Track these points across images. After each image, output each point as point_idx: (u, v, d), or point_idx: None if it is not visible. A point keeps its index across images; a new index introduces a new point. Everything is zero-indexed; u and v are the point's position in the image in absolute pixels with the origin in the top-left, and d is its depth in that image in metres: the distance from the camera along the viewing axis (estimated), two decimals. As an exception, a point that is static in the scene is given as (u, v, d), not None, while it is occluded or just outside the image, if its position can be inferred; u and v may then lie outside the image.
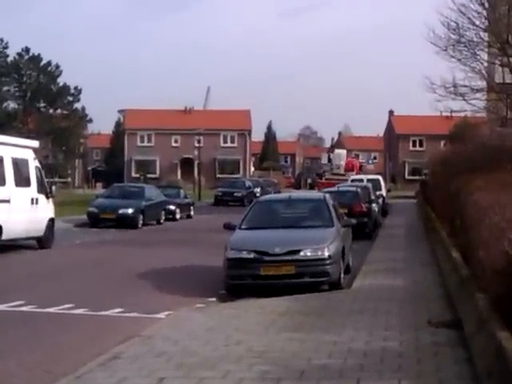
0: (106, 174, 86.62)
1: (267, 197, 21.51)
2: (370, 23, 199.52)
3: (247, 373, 8.07)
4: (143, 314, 12.26)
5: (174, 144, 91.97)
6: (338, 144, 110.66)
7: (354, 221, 17.65)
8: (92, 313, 12.33)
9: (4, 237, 20.39)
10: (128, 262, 19.90)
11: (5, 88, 60.04)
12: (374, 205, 29.86)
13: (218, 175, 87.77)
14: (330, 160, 59.02)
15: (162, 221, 35.09)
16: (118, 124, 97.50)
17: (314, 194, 25.86)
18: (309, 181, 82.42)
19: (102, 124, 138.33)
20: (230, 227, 15.93)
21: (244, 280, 14.14)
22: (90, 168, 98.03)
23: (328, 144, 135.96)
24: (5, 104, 57.53)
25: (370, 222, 27.42)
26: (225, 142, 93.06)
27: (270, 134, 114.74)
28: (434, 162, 28.20)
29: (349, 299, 13.01)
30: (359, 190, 29.33)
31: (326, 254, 14.16)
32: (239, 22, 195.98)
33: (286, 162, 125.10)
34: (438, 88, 29.96)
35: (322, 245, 14.29)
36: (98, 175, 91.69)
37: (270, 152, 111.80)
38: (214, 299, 13.93)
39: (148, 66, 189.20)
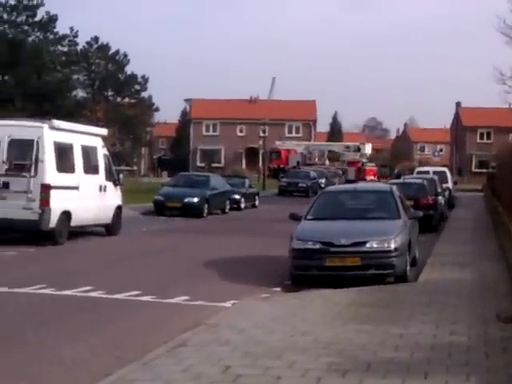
0: (172, 163, 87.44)
1: (333, 187, 21.42)
2: (436, 14, 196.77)
3: (313, 363, 8.06)
4: (209, 302, 12.34)
5: (239, 133, 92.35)
6: (403, 136, 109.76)
7: (420, 213, 17.47)
8: (158, 300, 12.46)
9: (73, 223, 20.72)
10: (193, 251, 20.07)
11: (74, 76, 60.85)
12: (440, 197, 29.49)
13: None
14: None
15: (226, 210, 35.29)
16: (184, 113, 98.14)
17: (381, 185, 25.68)
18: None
19: (168, 113, 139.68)
20: (295, 217, 15.91)
21: (309, 271, 14.13)
22: (155, 157, 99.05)
23: (393, 136, 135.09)
24: (74, 92, 58.35)
25: (436, 215, 27.12)
26: (290, 132, 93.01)
27: (335, 125, 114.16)
28: (503, 155, 27.68)
29: (415, 292, 12.89)
30: (425, 182, 29.00)
31: (393, 246, 14.05)
32: (306, 13, 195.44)
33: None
34: (507, 79, 29.44)
35: (388, 237, 14.18)
36: (164, 164, 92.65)
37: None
38: (278, 289, 13.95)
39: (214, 55, 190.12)
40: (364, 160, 72.71)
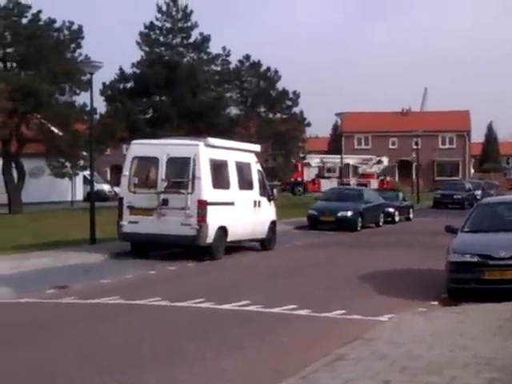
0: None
1: (490, 199, 20.89)
2: None
3: (474, 379, 7.89)
4: (365, 316, 12.28)
5: (391, 146, 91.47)
6: None
7: None
8: (315, 314, 12.51)
9: (229, 238, 21.15)
10: (348, 264, 20.04)
11: (227, 94, 62.07)
12: None
13: (437, 177, 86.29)
14: None
15: (380, 223, 35.08)
16: (336, 127, 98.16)
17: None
18: None
19: (319, 127, 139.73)
20: (451, 230, 15.61)
21: (467, 284, 13.80)
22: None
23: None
24: (227, 110, 59.47)
25: None
26: (443, 143, 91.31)
27: (490, 135, 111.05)
28: None
29: None
30: None
31: (556, 258, 13.50)
32: (458, 23, 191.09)
33: (507, 163, 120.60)
34: None
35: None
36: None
37: (490, 153, 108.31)
38: (435, 303, 13.72)
39: (365, 68, 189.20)
40: (378, 172, 72.54)
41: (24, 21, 43.00)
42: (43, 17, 43.36)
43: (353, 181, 68.71)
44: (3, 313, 12.83)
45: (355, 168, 75.59)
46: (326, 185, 65.00)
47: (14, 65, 42.98)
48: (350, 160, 76.11)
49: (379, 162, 74.61)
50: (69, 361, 9.28)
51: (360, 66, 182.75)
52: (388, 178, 73.68)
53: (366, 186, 66.36)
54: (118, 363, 9.12)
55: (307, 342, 10.47)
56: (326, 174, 73.35)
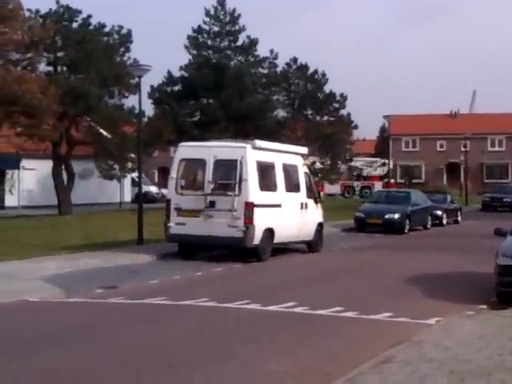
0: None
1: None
2: None
3: (523, 383, 7.82)
4: (412, 319, 12.23)
5: (439, 149, 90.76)
6: None
7: None
8: (362, 316, 12.50)
9: (276, 240, 21.19)
10: (394, 267, 19.96)
11: (275, 97, 62.16)
12: None
13: (485, 180, 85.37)
14: None
15: (428, 226, 34.85)
16: (383, 129, 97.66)
17: None
18: None
19: (367, 130, 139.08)
20: (500, 233, 15.44)
21: (516, 288, 13.66)
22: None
23: None
24: (275, 112, 59.58)
25: None
26: (492, 145, 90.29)
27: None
28: None
29: None
30: None
31: None
32: (508, 24, 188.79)
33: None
34: None
35: None
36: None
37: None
38: (484, 306, 13.60)
39: (412, 70, 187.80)
40: (382, 174, 72.20)
41: (74, 25, 43.65)
42: (93, 21, 44.00)
43: (357, 183, 69.53)
44: (54, 312, 13.04)
45: (360, 170, 76.04)
46: (330, 189, 67.08)
47: (65, 69, 43.61)
48: (356, 163, 76.43)
49: (383, 164, 74.42)
50: (117, 360, 9.39)
51: (408, 67, 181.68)
52: (392, 181, 73.63)
53: (369, 188, 67.34)
54: (167, 363, 9.20)
55: (354, 345, 10.46)
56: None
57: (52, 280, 15.96)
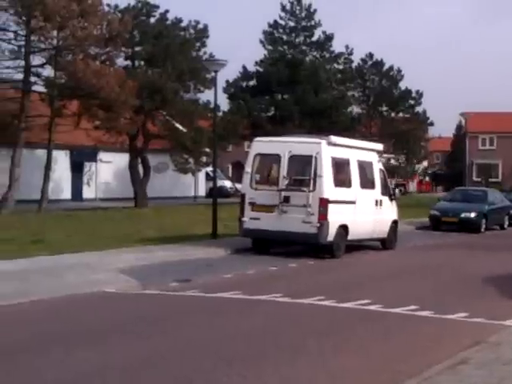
0: (446, 178, 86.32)
1: None
2: None
3: None
4: (489, 319, 12.03)
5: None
6: None
7: None
8: (437, 315, 12.35)
9: (350, 237, 21.09)
10: (470, 266, 19.68)
11: (349, 93, 61.93)
12: None
13: None
14: None
15: (505, 226, 34.24)
16: (459, 127, 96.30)
17: None
18: None
19: (442, 127, 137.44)
20: None
21: None
22: (430, 171, 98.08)
23: None
24: (349, 109, 59.32)
25: None
26: None
27: None
28: None
29: None
30: None
31: None
32: None
33: None
34: None
35: None
36: (438, 178, 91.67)
37: None
38: None
39: (491, 66, 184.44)
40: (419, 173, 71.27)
41: (152, 20, 44.20)
42: (170, 16, 44.48)
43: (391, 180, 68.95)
44: (129, 304, 13.23)
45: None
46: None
47: (142, 63, 44.21)
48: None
49: (418, 163, 73.46)
50: (192, 352, 9.49)
51: (486, 63, 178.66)
52: (427, 179, 72.81)
53: (404, 186, 66.08)
54: (241, 357, 9.26)
55: (429, 344, 10.34)
56: None
57: (128, 272, 16.20)
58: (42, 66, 36.86)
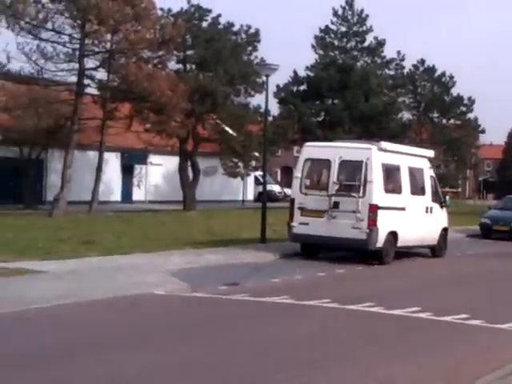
0: (497, 185, 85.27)
1: None
2: None
3: None
4: (541, 330, 11.87)
5: None
6: None
7: None
8: (488, 325, 12.19)
9: (399, 244, 20.93)
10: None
11: (400, 99, 61.58)
12: None
13: None
14: None
15: (558, 236, 33.61)
16: (511, 135, 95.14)
17: None
18: None
19: (494, 135, 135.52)
20: None
21: None
22: (480, 179, 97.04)
23: None
24: (400, 115, 59.01)
25: None
26: None
27: None
28: None
29: None
30: None
31: None
32: None
33: None
34: None
35: None
36: (489, 186, 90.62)
37: None
38: None
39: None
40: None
41: (204, 24, 44.43)
42: (222, 20, 44.67)
43: None
44: (179, 306, 13.32)
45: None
46: None
47: (193, 67, 44.47)
48: None
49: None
50: (241, 356, 9.51)
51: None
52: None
53: (455, 193, 64.83)
54: (290, 362, 9.25)
55: (480, 353, 10.22)
56: None
57: (177, 274, 16.29)
58: (95, 68, 37.35)
